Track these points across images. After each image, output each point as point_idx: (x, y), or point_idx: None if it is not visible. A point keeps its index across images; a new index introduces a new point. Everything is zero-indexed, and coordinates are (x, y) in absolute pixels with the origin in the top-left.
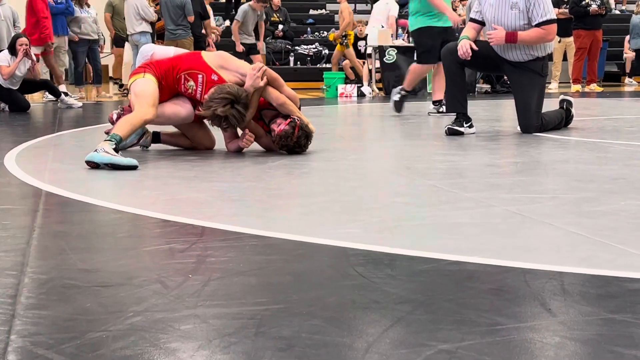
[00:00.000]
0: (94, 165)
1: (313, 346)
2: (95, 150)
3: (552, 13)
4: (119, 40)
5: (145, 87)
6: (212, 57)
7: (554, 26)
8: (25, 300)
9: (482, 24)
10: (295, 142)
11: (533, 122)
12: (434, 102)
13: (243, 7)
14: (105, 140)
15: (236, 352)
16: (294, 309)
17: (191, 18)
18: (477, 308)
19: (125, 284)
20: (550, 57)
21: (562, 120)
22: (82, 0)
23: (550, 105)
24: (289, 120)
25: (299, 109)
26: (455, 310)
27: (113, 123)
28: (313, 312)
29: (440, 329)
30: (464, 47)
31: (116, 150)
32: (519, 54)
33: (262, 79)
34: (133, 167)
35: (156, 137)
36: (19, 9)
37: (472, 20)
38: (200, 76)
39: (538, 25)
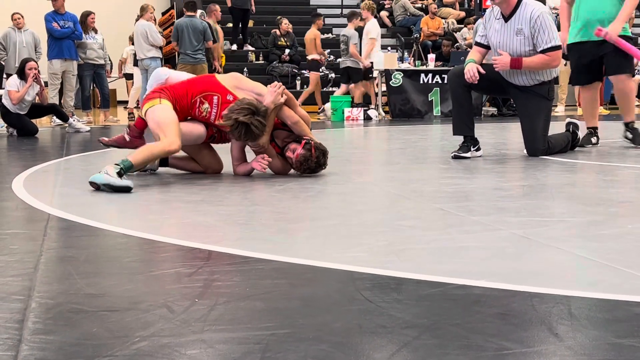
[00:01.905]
0: (96, 187)
1: None
2: (99, 172)
3: (557, 39)
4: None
5: (166, 115)
6: (226, 78)
7: (559, 52)
8: (32, 325)
9: (487, 47)
10: (316, 162)
11: (539, 145)
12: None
13: (351, 31)
14: (114, 164)
15: None
16: (301, 333)
17: (210, 43)
18: (483, 333)
19: (131, 308)
20: (556, 80)
21: (569, 143)
22: (87, 26)
23: (556, 128)
24: (303, 143)
25: (310, 130)
26: (462, 335)
27: (105, 144)
28: (319, 337)
29: (447, 354)
30: (471, 71)
31: (120, 174)
32: (525, 79)
33: (281, 96)
34: (126, 189)
35: (164, 161)
36: (43, 34)
37: (478, 44)
38: (215, 97)
39: (543, 51)
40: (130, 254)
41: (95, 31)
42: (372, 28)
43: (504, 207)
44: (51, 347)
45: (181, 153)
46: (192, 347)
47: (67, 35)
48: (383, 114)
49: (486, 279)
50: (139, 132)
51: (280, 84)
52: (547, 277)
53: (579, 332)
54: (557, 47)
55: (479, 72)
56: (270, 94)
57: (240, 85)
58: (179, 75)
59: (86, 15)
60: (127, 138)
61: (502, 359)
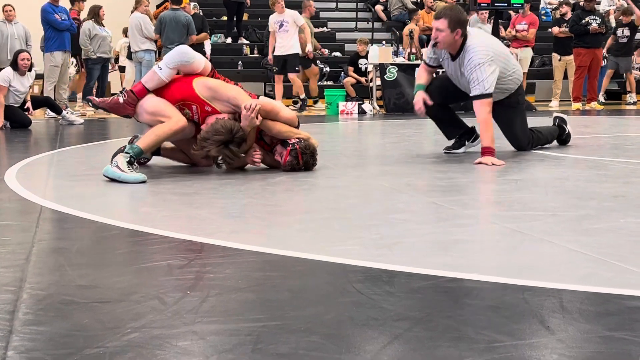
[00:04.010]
0: (109, 179)
1: None
2: (111, 163)
3: (488, 87)
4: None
5: (155, 101)
6: (202, 89)
7: (486, 100)
8: (23, 316)
9: (436, 67)
10: (304, 168)
11: (523, 142)
12: None
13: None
14: (123, 152)
15: None
16: (292, 325)
17: (194, 37)
18: (475, 325)
19: (123, 300)
20: (550, 75)
21: (554, 137)
22: (99, 18)
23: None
24: (289, 149)
25: (298, 126)
26: (453, 327)
27: (95, 104)
28: (311, 329)
29: (439, 346)
30: (418, 103)
31: (131, 162)
32: (498, 94)
33: (257, 118)
34: (140, 182)
35: (156, 151)
36: (31, 27)
37: (427, 64)
38: (194, 106)
39: (473, 97)
40: (122, 246)
41: (103, 25)
42: (298, 17)
43: (496, 201)
44: (42, 338)
45: (173, 144)
46: (184, 338)
47: (67, 28)
48: (377, 108)
49: (478, 272)
50: (135, 100)
51: (256, 103)
52: (539, 271)
53: (571, 325)
54: (485, 96)
55: (428, 103)
56: (244, 118)
57: (216, 97)
58: (201, 61)
59: (98, 8)
60: (121, 100)
61: (493, 351)
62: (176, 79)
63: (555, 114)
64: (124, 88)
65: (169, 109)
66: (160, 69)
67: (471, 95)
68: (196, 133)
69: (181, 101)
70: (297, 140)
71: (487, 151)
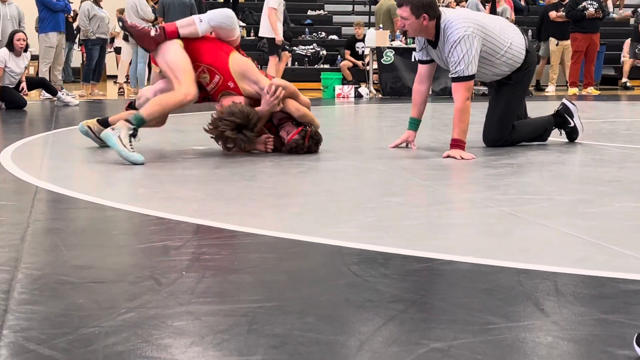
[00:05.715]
0: (106, 145)
1: (305, 344)
2: (113, 129)
3: (469, 69)
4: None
5: (179, 57)
6: (237, 63)
7: (467, 84)
8: (19, 296)
9: (430, 61)
10: (307, 151)
11: (492, 135)
12: None
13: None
14: (126, 120)
15: (228, 348)
16: (287, 306)
17: None
18: (470, 307)
19: (119, 280)
20: (547, 60)
21: (545, 132)
22: (97, 0)
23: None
24: (300, 129)
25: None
26: (448, 309)
27: (124, 26)
28: (306, 310)
29: (433, 327)
30: (397, 142)
31: (134, 134)
32: (491, 76)
33: (279, 104)
34: (139, 164)
35: (104, 124)
36: (26, 8)
37: (420, 62)
38: (217, 77)
39: (453, 80)
40: (118, 227)
41: (101, 6)
42: None
43: (492, 184)
44: (37, 318)
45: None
46: (179, 318)
47: (62, 9)
48: (374, 91)
49: (473, 255)
50: (162, 40)
51: (280, 88)
52: (534, 254)
53: (565, 308)
54: (463, 78)
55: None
56: (266, 102)
57: (247, 75)
58: (238, 32)
59: None
60: (152, 34)
61: (487, 333)
62: (214, 42)
63: (563, 100)
64: (160, 25)
65: (185, 75)
66: (201, 22)
67: (450, 76)
68: (199, 100)
69: (209, 65)
70: (310, 125)
71: (456, 144)
